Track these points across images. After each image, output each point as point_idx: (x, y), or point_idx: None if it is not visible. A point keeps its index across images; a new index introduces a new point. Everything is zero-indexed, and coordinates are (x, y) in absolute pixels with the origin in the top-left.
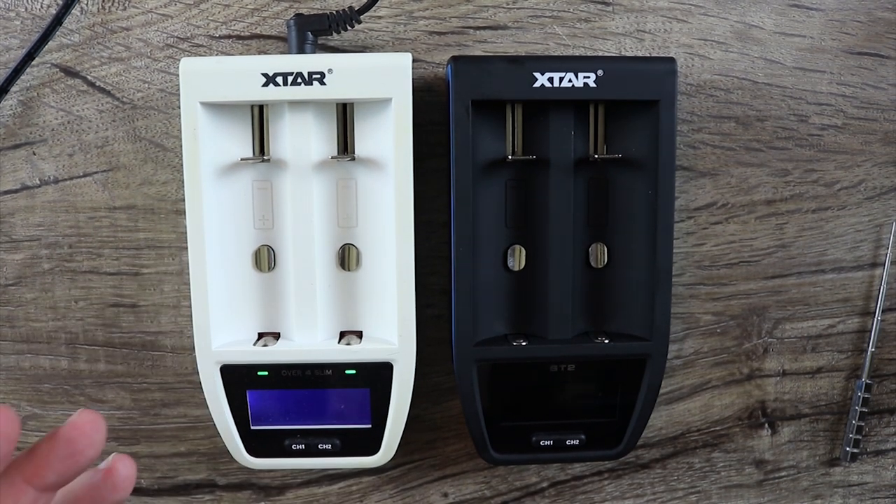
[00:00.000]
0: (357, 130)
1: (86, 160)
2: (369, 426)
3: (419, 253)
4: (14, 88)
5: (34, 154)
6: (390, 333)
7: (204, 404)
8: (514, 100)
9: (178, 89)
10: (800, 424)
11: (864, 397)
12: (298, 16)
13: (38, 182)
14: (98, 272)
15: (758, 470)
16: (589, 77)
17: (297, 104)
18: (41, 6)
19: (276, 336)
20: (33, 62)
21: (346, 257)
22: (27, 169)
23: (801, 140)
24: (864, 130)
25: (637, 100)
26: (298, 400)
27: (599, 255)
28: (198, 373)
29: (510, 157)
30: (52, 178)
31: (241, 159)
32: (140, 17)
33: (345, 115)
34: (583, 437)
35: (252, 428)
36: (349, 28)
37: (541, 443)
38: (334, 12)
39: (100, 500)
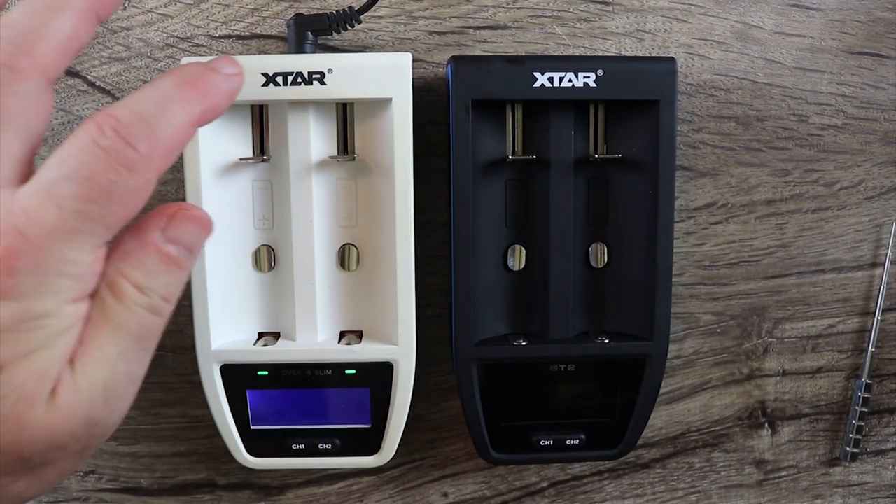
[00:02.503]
0: (357, 130)
1: None
2: (369, 426)
3: (419, 253)
4: None
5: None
6: (390, 333)
7: (204, 404)
8: (514, 99)
9: None
10: (800, 424)
11: (864, 397)
12: (298, 16)
13: None
14: None
15: (758, 470)
16: (589, 77)
17: (296, 104)
18: None
19: (277, 336)
20: None
21: (346, 257)
22: None
23: (801, 140)
24: (864, 130)
25: (637, 100)
26: (298, 400)
27: (599, 254)
28: (198, 372)
29: (510, 156)
30: None
31: (241, 159)
32: (140, 17)
33: (345, 114)
34: (583, 436)
35: (252, 428)
36: (349, 28)
37: (541, 443)
38: (334, 12)
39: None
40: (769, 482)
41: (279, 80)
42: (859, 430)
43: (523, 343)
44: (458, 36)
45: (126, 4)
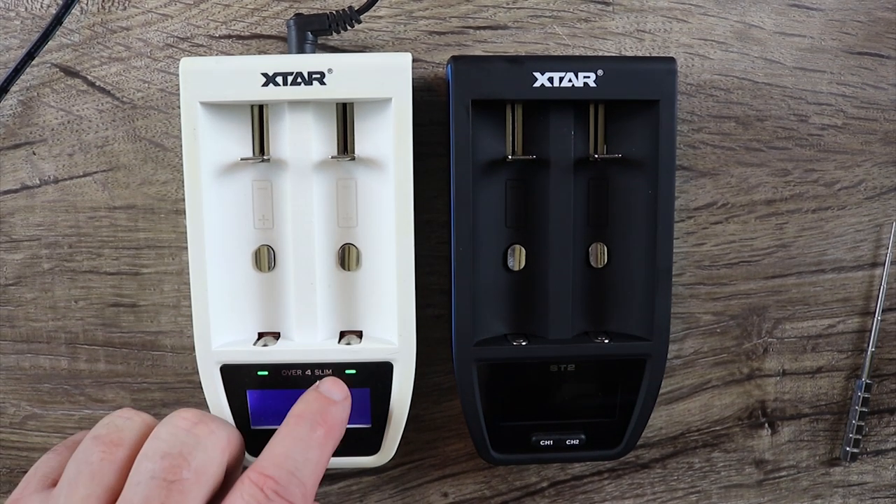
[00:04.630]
0: (357, 130)
1: (86, 160)
2: (369, 426)
3: (419, 253)
4: (14, 88)
5: (34, 154)
6: (390, 333)
7: (204, 404)
8: (514, 100)
9: (178, 89)
10: (800, 424)
11: (864, 397)
12: (298, 16)
13: (38, 182)
14: (98, 272)
15: (758, 470)
16: (589, 77)
17: (297, 104)
18: (41, 6)
19: (276, 336)
20: (33, 62)
21: (346, 257)
22: (27, 169)
23: (801, 140)
24: (864, 130)
25: (637, 100)
26: None
27: (599, 254)
28: (198, 373)
29: (510, 156)
30: (51, 177)
31: (241, 159)
32: (140, 17)
33: (345, 114)
34: (583, 437)
35: (252, 428)
36: (349, 28)
37: (541, 443)
38: (334, 12)
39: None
40: (769, 482)
41: (279, 80)
42: (859, 430)
43: (523, 343)
44: (458, 36)
45: (126, 4)
